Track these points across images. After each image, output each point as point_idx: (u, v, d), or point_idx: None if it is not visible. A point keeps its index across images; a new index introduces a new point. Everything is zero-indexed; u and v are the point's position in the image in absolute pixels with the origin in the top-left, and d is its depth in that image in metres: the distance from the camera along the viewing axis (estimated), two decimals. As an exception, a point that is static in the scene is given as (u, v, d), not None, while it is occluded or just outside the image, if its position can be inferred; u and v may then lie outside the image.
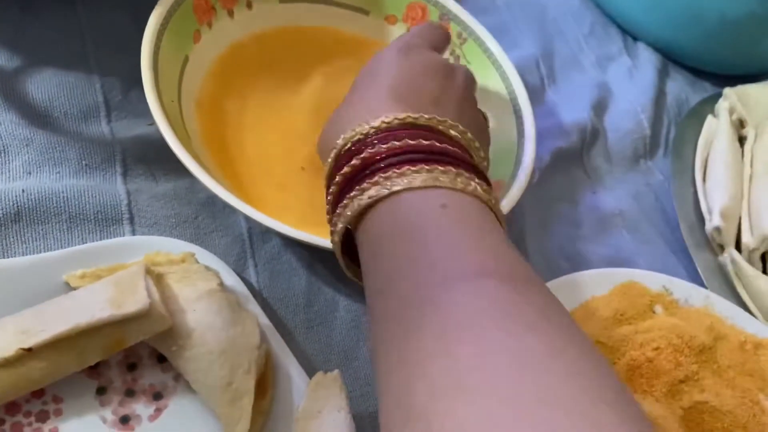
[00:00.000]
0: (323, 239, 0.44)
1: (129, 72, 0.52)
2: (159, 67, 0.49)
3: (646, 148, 0.68)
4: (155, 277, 0.42)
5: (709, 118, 0.70)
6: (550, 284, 0.52)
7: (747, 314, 0.56)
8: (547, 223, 0.60)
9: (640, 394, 0.49)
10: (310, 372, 0.44)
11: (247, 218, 0.51)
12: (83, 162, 0.49)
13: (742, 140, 0.69)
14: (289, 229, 0.45)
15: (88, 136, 0.51)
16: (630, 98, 0.70)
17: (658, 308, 0.54)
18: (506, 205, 0.49)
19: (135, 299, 0.39)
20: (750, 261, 0.60)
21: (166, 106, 0.47)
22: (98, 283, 0.41)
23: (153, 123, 0.51)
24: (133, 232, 0.48)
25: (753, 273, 0.58)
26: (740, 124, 0.70)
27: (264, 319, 0.45)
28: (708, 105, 0.72)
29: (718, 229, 0.60)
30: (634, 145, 0.68)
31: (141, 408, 0.42)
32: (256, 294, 0.48)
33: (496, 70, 0.59)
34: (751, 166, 0.66)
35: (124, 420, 0.41)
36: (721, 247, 0.61)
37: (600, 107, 0.69)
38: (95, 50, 0.54)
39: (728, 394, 0.50)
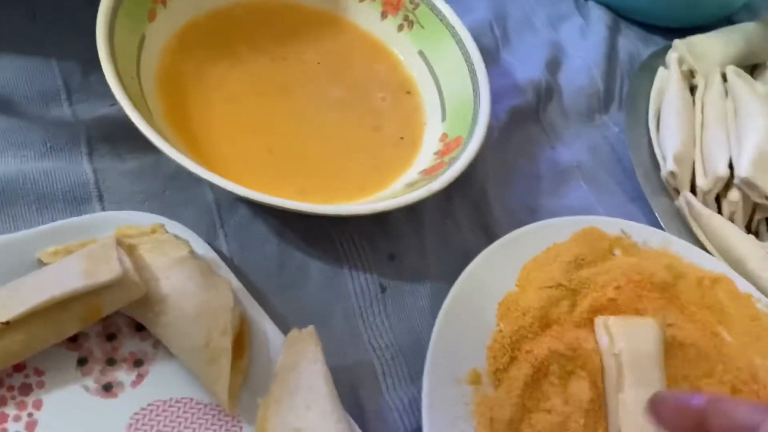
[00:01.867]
0: (293, 201, 0.46)
1: (86, 54, 0.52)
2: (116, 47, 0.49)
3: (600, 103, 0.71)
4: (127, 248, 0.43)
5: (660, 70, 0.72)
6: (512, 234, 0.54)
7: (703, 252, 0.58)
8: (508, 178, 0.62)
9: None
10: (286, 332, 0.45)
11: (214, 189, 0.52)
12: (48, 144, 0.50)
13: (693, 90, 0.72)
14: (259, 195, 0.46)
15: (51, 120, 0.51)
16: (582, 55, 0.72)
17: (618, 251, 0.56)
18: (465, 159, 0.51)
19: (108, 268, 0.40)
20: (705, 203, 0.63)
21: (127, 85, 0.48)
22: (71, 257, 0.42)
23: (115, 103, 0.52)
24: (103, 209, 0.49)
25: (707, 213, 0.61)
26: (690, 74, 0.72)
27: (237, 284, 0.47)
28: (659, 58, 0.75)
29: (672, 174, 0.63)
30: (589, 100, 0.70)
31: (123, 375, 0.43)
32: (228, 261, 0.49)
33: (449, 33, 0.61)
34: (702, 113, 0.69)
35: (107, 387, 0.42)
36: (677, 192, 0.64)
37: (554, 65, 0.71)
38: (51, 35, 0.55)
39: (690, 327, 0.53)
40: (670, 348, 0.51)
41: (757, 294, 0.56)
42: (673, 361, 0.50)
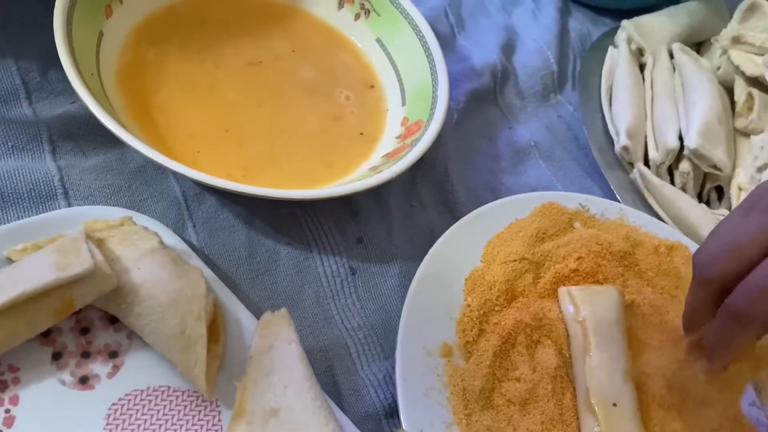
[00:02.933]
0: (263, 188, 0.47)
1: (44, 53, 0.53)
2: (74, 45, 0.49)
3: (554, 83, 0.73)
4: (96, 241, 0.44)
5: (611, 50, 0.75)
6: (475, 212, 0.55)
7: (658, 221, 0.61)
8: (469, 159, 0.63)
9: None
10: (259, 317, 0.46)
11: (181, 181, 0.52)
12: (9, 144, 0.50)
13: (642, 68, 0.74)
14: (228, 183, 0.46)
15: (11, 119, 0.51)
16: (535, 38, 0.74)
17: (577, 224, 0.58)
18: (426, 140, 0.52)
19: (79, 261, 0.41)
20: (658, 175, 0.65)
21: (87, 80, 0.48)
22: (41, 252, 0.42)
23: (76, 101, 0.53)
24: (69, 206, 0.49)
25: (659, 183, 0.63)
26: (639, 52, 0.75)
27: (208, 272, 0.47)
28: (608, 38, 0.77)
29: (626, 148, 0.65)
30: (544, 80, 0.72)
31: (98, 367, 0.43)
32: (198, 251, 0.49)
33: (406, 20, 0.62)
34: (652, 89, 0.71)
35: (83, 380, 0.42)
36: (631, 165, 0.66)
37: (508, 48, 0.73)
38: (6, 34, 0.55)
39: (649, 291, 0.55)
40: (631, 312, 0.53)
41: (710, 258, 0.59)
42: (634, 323, 0.52)
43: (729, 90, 0.71)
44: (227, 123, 0.55)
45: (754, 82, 0.69)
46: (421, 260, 0.51)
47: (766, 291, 0.37)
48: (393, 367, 0.46)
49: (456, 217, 0.55)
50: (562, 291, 0.53)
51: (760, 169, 0.64)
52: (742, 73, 0.70)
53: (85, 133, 0.52)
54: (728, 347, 0.43)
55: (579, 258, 0.54)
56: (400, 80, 0.61)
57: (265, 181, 0.51)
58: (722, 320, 0.41)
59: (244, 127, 0.55)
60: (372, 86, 0.61)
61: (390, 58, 0.62)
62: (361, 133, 0.58)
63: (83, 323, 0.44)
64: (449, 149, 0.62)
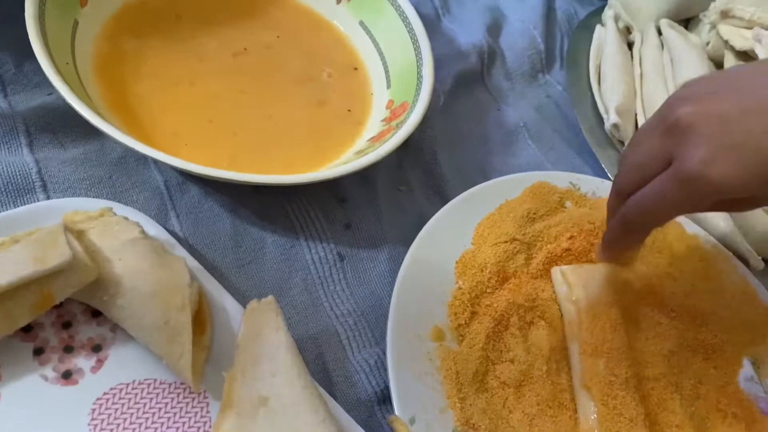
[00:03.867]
0: (247, 174, 0.46)
1: (18, 45, 0.51)
2: (48, 35, 0.48)
3: (542, 63, 0.72)
4: (76, 233, 0.42)
5: (598, 28, 0.74)
6: (465, 195, 0.54)
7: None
8: (457, 142, 0.62)
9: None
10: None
11: (163, 171, 0.51)
12: (-16, 138, 0.49)
13: (630, 46, 0.73)
14: (210, 170, 0.45)
15: (-14, 112, 0.50)
16: (521, 18, 0.73)
17: (568, 203, 0.57)
18: (412, 121, 0.51)
19: (57, 253, 0.39)
20: (649, 153, 0.64)
21: (63, 71, 0.47)
22: (18, 245, 0.41)
23: (53, 92, 0.51)
24: (48, 199, 0.48)
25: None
26: (627, 30, 0.74)
27: (193, 262, 0.46)
28: (596, 16, 0.76)
29: (616, 126, 0.64)
30: (531, 61, 0.71)
31: (82, 362, 0.42)
32: (182, 241, 0.48)
33: (389, 2, 0.61)
34: (641, 66, 0.70)
35: (66, 375, 0.41)
36: (622, 143, 0.65)
37: (494, 30, 0.72)
38: (-21, 26, 0.53)
39: (641, 268, 0.54)
40: (624, 289, 0.52)
41: (704, 235, 0.58)
42: (628, 300, 0.51)
43: (719, 65, 0.71)
44: (210, 114, 0.54)
45: (744, 56, 0.69)
46: (410, 245, 0.50)
47: (648, 206, 0.40)
48: (384, 353, 0.45)
49: (445, 201, 0.54)
50: (555, 271, 0.52)
51: (752, 143, 0.63)
52: (732, 48, 0.69)
53: (62, 125, 0.51)
54: (617, 246, 0.46)
55: (571, 237, 0.54)
56: (384, 63, 0.60)
57: (252, 169, 0.50)
58: (616, 222, 0.43)
59: (228, 116, 0.54)
60: (356, 68, 0.60)
61: (374, 41, 0.61)
62: (349, 110, 0.57)
63: (65, 317, 0.43)
64: (436, 132, 0.61)
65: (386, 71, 0.59)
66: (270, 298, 0.44)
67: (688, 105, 0.39)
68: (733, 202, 0.42)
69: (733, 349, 0.52)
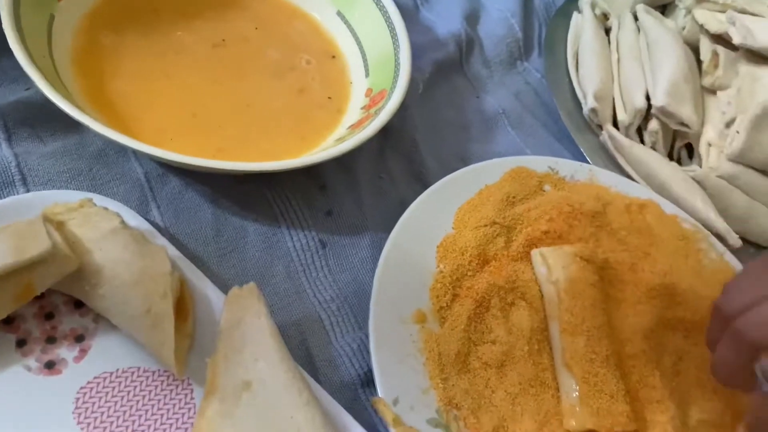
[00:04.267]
0: (227, 162, 0.46)
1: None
2: (24, 29, 0.48)
3: (520, 51, 0.72)
4: (56, 224, 0.43)
5: (575, 15, 0.74)
6: (445, 180, 0.55)
7: (628, 180, 0.61)
8: (437, 129, 0.63)
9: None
10: (229, 294, 0.46)
11: (143, 162, 0.52)
12: (-38, 133, 0.49)
13: (607, 32, 0.74)
14: (194, 159, 0.45)
15: (-37, 108, 0.50)
16: (499, 6, 0.74)
17: (547, 187, 0.58)
18: (391, 107, 0.52)
19: (37, 243, 0.40)
20: (628, 137, 0.65)
21: (40, 65, 0.47)
22: (-3, 237, 0.41)
23: (30, 87, 0.51)
24: (28, 192, 0.48)
25: (629, 143, 0.63)
26: (604, 17, 0.75)
27: (174, 252, 0.46)
28: (573, 4, 0.77)
29: (594, 111, 0.65)
30: (509, 49, 0.71)
31: (65, 352, 0.42)
32: (163, 231, 0.48)
33: (366, -7, 0.61)
34: (618, 51, 0.71)
35: (50, 365, 0.41)
36: (600, 128, 0.66)
37: (472, 18, 0.72)
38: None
39: (620, 249, 0.55)
40: (605, 270, 0.53)
41: (683, 215, 0.59)
42: (608, 281, 0.52)
43: (695, 50, 0.71)
44: (193, 107, 0.54)
45: (719, 39, 0.69)
46: (391, 231, 0.50)
47: None
48: (367, 337, 0.45)
49: (426, 188, 0.54)
50: (535, 253, 0.52)
51: (728, 124, 0.64)
52: (707, 32, 0.70)
53: (41, 119, 0.51)
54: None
55: (550, 219, 0.54)
56: (362, 52, 0.60)
57: (239, 160, 0.50)
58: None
59: (211, 109, 0.54)
60: (334, 57, 0.60)
61: (351, 30, 0.61)
62: (330, 97, 0.57)
63: (47, 309, 0.43)
64: (416, 120, 0.62)
65: (364, 60, 0.59)
66: (251, 284, 0.44)
67: None
68: None
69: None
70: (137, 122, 0.51)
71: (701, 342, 0.53)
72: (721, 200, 0.61)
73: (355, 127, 0.54)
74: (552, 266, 0.51)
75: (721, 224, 0.59)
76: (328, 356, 0.47)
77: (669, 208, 0.59)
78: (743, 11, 0.70)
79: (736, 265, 0.57)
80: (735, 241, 0.59)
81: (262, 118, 0.55)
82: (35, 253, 0.39)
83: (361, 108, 0.56)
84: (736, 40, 0.66)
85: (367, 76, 0.59)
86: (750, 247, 0.62)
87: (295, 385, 0.41)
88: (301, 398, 0.40)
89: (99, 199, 0.46)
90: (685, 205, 0.60)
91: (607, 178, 0.60)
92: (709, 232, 0.58)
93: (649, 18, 0.72)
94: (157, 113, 0.53)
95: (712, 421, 0.49)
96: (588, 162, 0.63)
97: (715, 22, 0.69)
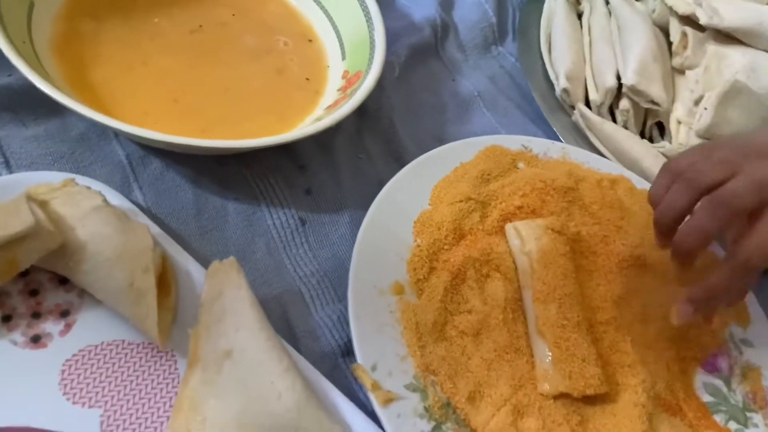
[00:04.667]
0: (206, 140, 0.47)
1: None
2: (3, 16, 0.49)
3: (495, 35, 0.74)
4: (39, 203, 0.43)
5: (548, 0, 0.76)
6: (421, 158, 0.56)
7: (599, 157, 0.63)
8: (414, 111, 0.64)
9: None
10: (210, 270, 0.47)
11: (124, 145, 0.53)
12: (-56, 118, 0.50)
13: (580, 16, 0.76)
14: (178, 138, 0.46)
15: (-55, 94, 0.51)
16: (473, -8, 0.75)
17: (521, 164, 0.60)
18: (367, 86, 0.53)
19: (20, 219, 0.41)
20: (600, 116, 0.67)
21: (21, 49, 0.48)
22: (-20, 215, 0.42)
23: (12, 73, 0.52)
24: (11, 174, 0.48)
25: (600, 121, 0.65)
26: (576, 1, 0.76)
27: (156, 229, 0.48)
28: (546, -11, 0.78)
29: (566, 91, 0.67)
30: (484, 33, 0.73)
31: (50, 326, 0.43)
32: (145, 211, 0.49)
33: (342, -22, 0.62)
34: (590, 34, 0.73)
35: (35, 339, 0.42)
36: (573, 108, 0.67)
37: (447, 4, 0.74)
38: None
39: (592, 222, 0.56)
40: (577, 243, 0.54)
41: (652, 190, 0.61)
42: (581, 253, 0.54)
43: (666, 32, 0.73)
44: (175, 93, 0.55)
45: (687, 20, 0.71)
46: (370, 208, 0.52)
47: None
48: (347, 309, 0.47)
49: (403, 167, 0.56)
50: (508, 227, 0.54)
51: (696, 102, 0.65)
52: (675, 13, 0.72)
53: (23, 104, 0.52)
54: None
55: (523, 195, 0.56)
56: (338, 35, 0.61)
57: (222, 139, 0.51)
58: (731, 268, 0.45)
59: (192, 93, 0.55)
60: (310, 40, 0.62)
61: (327, 15, 0.62)
62: (307, 78, 0.59)
63: (32, 285, 0.44)
64: (393, 102, 0.63)
65: (341, 43, 0.61)
66: (231, 258, 0.45)
67: None
68: None
69: (680, 295, 0.55)
70: (120, 107, 0.52)
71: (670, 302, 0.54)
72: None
73: (332, 107, 0.55)
74: (525, 238, 0.53)
75: (690, 198, 0.61)
76: (309, 328, 0.48)
77: (640, 183, 0.61)
78: (710, -7, 0.72)
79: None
80: (704, 213, 0.61)
81: (243, 100, 0.56)
82: (19, 228, 0.40)
83: (338, 90, 0.57)
84: (703, 20, 0.68)
85: (343, 59, 0.60)
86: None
87: (275, 353, 0.42)
88: (281, 365, 0.41)
89: (82, 180, 0.47)
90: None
91: (579, 155, 0.62)
92: (678, 206, 0.60)
93: (619, 1, 0.74)
94: (138, 99, 0.53)
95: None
96: (560, 140, 0.65)
97: (683, 3, 0.71)
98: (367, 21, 0.59)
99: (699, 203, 0.45)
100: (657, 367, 0.50)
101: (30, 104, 0.52)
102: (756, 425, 0.50)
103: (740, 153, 0.45)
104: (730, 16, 0.67)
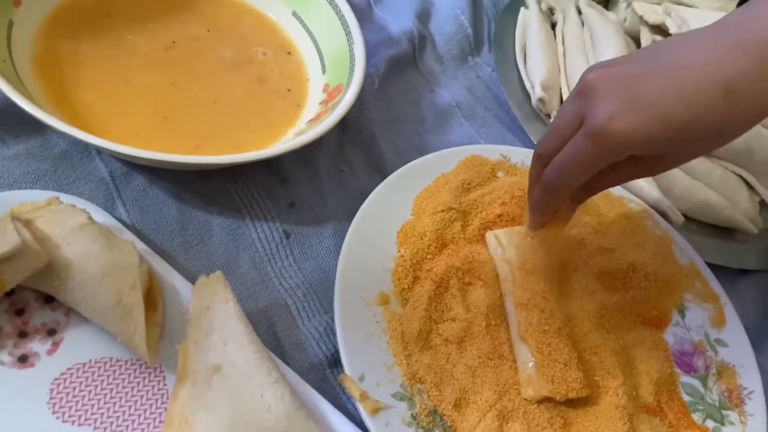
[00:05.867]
0: (187, 156, 0.47)
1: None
2: (-19, 33, 0.49)
3: (471, 46, 0.75)
4: (23, 222, 0.44)
5: (522, 10, 0.78)
6: (403, 169, 0.57)
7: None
8: (394, 122, 0.65)
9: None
10: (197, 285, 0.47)
11: (107, 162, 0.53)
12: (-75, 138, 0.49)
13: (553, 26, 0.78)
14: (153, 154, 0.46)
15: (-75, 114, 0.51)
16: (449, 4, 0.77)
17: (500, 173, 0.61)
18: (348, 100, 0.54)
19: (6, 240, 0.41)
20: (575, 125, 0.68)
21: (2, 69, 0.48)
22: (-35, 236, 0.42)
23: (-9, 92, 0.52)
24: (-7, 193, 0.48)
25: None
26: (550, 12, 0.78)
27: (141, 245, 0.48)
28: (519, 0, 0.80)
29: (541, 100, 0.68)
30: (460, 44, 0.74)
31: (37, 345, 0.43)
32: (130, 228, 0.50)
33: (320, -8, 0.63)
34: (563, 44, 0.74)
35: (23, 359, 0.42)
36: (548, 117, 0.69)
37: (424, 16, 0.75)
38: None
39: (569, 226, 0.58)
40: (553, 248, 0.55)
41: (628, 195, 0.62)
42: (556, 258, 0.55)
43: (636, 40, 0.75)
44: (163, 110, 0.55)
45: (658, 30, 0.73)
46: (353, 219, 0.52)
47: (565, 166, 0.43)
48: (333, 320, 0.47)
49: (385, 178, 0.56)
50: (489, 235, 0.55)
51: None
52: (646, 23, 0.73)
53: (3, 123, 0.52)
54: (542, 210, 0.48)
55: (503, 204, 0.57)
56: (318, 49, 0.62)
57: (218, 153, 0.51)
58: (538, 188, 0.46)
59: (180, 110, 0.56)
60: (289, 53, 0.62)
61: (307, 29, 0.63)
62: (289, 90, 0.59)
63: (18, 305, 0.44)
64: (373, 114, 0.64)
65: (321, 58, 0.62)
66: (218, 273, 0.46)
67: (596, 70, 0.42)
68: (652, 163, 0.44)
69: (658, 298, 0.56)
70: (107, 127, 0.52)
71: (650, 315, 0.56)
72: (663, 181, 0.64)
73: (313, 121, 0.56)
74: (505, 246, 0.54)
75: (666, 203, 0.63)
76: (296, 340, 0.48)
77: (616, 191, 0.62)
78: (679, 2, 0.74)
79: (679, 240, 0.60)
80: (678, 218, 0.62)
81: (231, 110, 0.57)
82: (4, 249, 0.40)
83: (319, 103, 0.58)
84: (673, 29, 0.70)
85: (323, 73, 0.61)
86: (692, 223, 0.65)
87: (264, 366, 0.42)
88: (270, 378, 0.42)
89: (66, 198, 0.47)
90: (631, 187, 0.63)
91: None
92: (653, 211, 0.62)
93: (591, 11, 0.75)
94: (127, 118, 0.54)
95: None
96: (538, 149, 0.66)
97: (653, 13, 0.73)
98: (346, 35, 0.60)
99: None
100: (640, 368, 0.52)
101: (10, 122, 0.52)
102: (732, 423, 0.52)
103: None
104: (698, 26, 0.69)
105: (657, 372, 0.52)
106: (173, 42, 0.60)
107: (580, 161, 0.42)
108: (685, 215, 0.63)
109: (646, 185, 0.63)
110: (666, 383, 0.53)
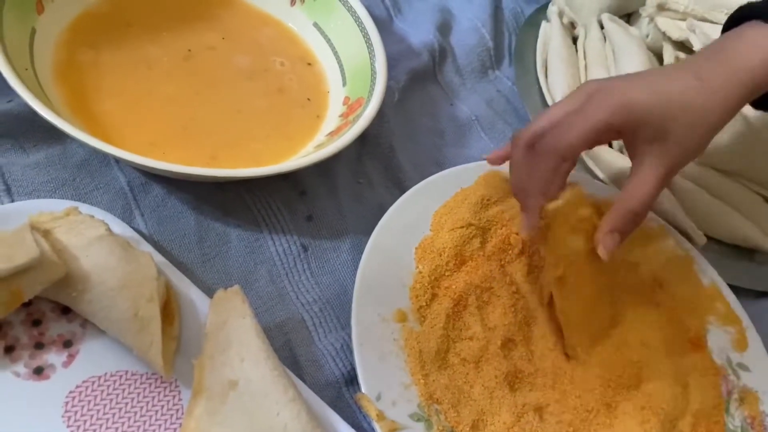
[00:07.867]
0: (205, 168, 0.47)
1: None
2: (6, 41, 0.49)
3: (492, 60, 0.74)
4: (42, 232, 0.43)
5: (543, 24, 0.77)
6: (422, 184, 0.57)
7: (597, 182, 0.63)
8: (413, 135, 0.65)
9: (517, 263, 0.55)
10: (213, 298, 0.47)
11: (126, 171, 0.53)
12: (-55, 146, 0.49)
13: (575, 40, 0.77)
14: (171, 165, 0.46)
15: (-55, 120, 0.51)
16: (470, 17, 0.76)
17: (520, 189, 0.60)
18: (368, 114, 0.54)
19: (25, 250, 0.40)
20: (596, 140, 0.68)
21: (23, 76, 0.48)
22: (-16, 246, 0.42)
23: (12, 99, 0.52)
24: (12, 201, 0.48)
25: (597, 146, 0.65)
26: (571, 25, 0.77)
27: (159, 257, 0.47)
28: (541, 13, 0.79)
29: (562, 116, 0.67)
30: (481, 57, 0.74)
31: (53, 357, 0.43)
32: (147, 239, 0.49)
33: (341, 4, 0.63)
34: (585, 58, 0.74)
35: (38, 371, 0.42)
36: (569, 132, 0.68)
37: (444, 28, 0.74)
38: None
39: (574, 237, 0.57)
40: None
41: (651, 215, 0.61)
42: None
43: (659, 57, 0.74)
44: (183, 120, 0.55)
45: (681, 46, 0.72)
46: (371, 234, 0.52)
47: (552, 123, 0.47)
48: (350, 336, 0.47)
49: (403, 192, 0.56)
50: None
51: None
52: (669, 39, 0.73)
53: (24, 130, 0.52)
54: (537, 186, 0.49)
55: (523, 220, 0.56)
56: (339, 62, 0.62)
57: (233, 165, 0.51)
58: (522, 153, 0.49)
59: (200, 119, 0.55)
60: (309, 64, 0.62)
61: (327, 41, 0.63)
62: (309, 99, 0.59)
63: (35, 315, 0.44)
64: (393, 127, 0.63)
65: (341, 70, 0.61)
66: (236, 287, 0.45)
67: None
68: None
69: (686, 318, 0.56)
70: (125, 137, 0.52)
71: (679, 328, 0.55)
72: (686, 200, 0.64)
73: (333, 134, 0.55)
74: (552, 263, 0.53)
75: (686, 222, 0.62)
76: (312, 356, 0.48)
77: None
78: (703, 19, 0.73)
79: (700, 260, 0.59)
80: (700, 238, 0.62)
81: (251, 120, 0.57)
82: (23, 260, 0.40)
83: (339, 116, 0.58)
84: (696, 46, 0.69)
85: (344, 85, 0.60)
86: (714, 243, 0.64)
87: (281, 383, 0.42)
88: (286, 395, 0.41)
89: (84, 208, 0.47)
90: (654, 206, 0.62)
91: (578, 179, 0.62)
92: (675, 230, 0.61)
93: (614, 26, 0.75)
94: (145, 128, 0.53)
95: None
96: (558, 165, 0.65)
97: (676, 29, 0.72)
98: (368, 47, 0.59)
99: None
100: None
101: (31, 130, 0.52)
102: (755, 450, 0.51)
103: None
104: (722, 43, 0.68)
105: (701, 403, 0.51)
106: (189, 50, 0.59)
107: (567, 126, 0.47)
108: (707, 235, 0.62)
109: (668, 206, 0.62)
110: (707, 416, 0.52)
